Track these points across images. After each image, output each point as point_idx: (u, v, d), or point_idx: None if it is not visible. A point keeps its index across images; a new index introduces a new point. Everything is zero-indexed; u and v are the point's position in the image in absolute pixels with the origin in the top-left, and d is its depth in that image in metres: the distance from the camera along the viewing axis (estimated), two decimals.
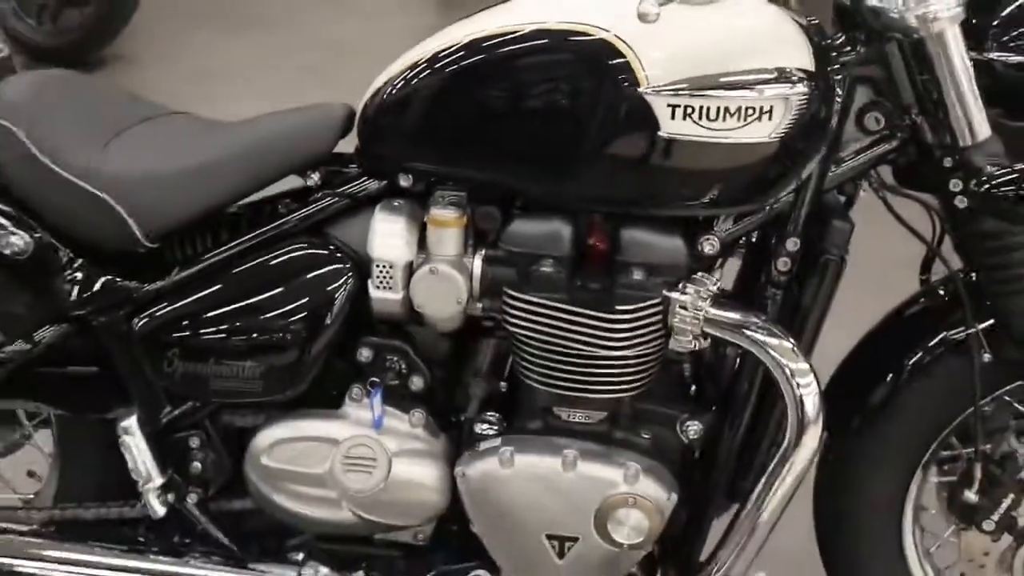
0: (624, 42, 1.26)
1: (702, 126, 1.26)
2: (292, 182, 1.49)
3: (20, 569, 1.53)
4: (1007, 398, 1.48)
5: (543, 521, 1.42)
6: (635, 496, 1.39)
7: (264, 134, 1.46)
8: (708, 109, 1.25)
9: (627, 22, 1.25)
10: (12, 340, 1.50)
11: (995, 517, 1.49)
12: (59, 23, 4.06)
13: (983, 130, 1.30)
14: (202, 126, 1.53)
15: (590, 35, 1.28)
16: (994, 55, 1.33)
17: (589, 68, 1.29)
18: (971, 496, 1.49)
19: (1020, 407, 1.48)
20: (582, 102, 1.29)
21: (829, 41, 1.38)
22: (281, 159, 1.45)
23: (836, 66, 1.35)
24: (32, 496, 1.71)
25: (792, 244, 1.38)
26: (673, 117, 1.26)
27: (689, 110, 1.25)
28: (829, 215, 1.40)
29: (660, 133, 1.27)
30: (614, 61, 1.27)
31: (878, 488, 1.56)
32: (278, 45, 4.28)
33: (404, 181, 1.42)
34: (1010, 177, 1.31)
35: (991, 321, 1.41)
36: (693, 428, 1.45)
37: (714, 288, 1.37)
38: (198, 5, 4.71)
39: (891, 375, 1.50)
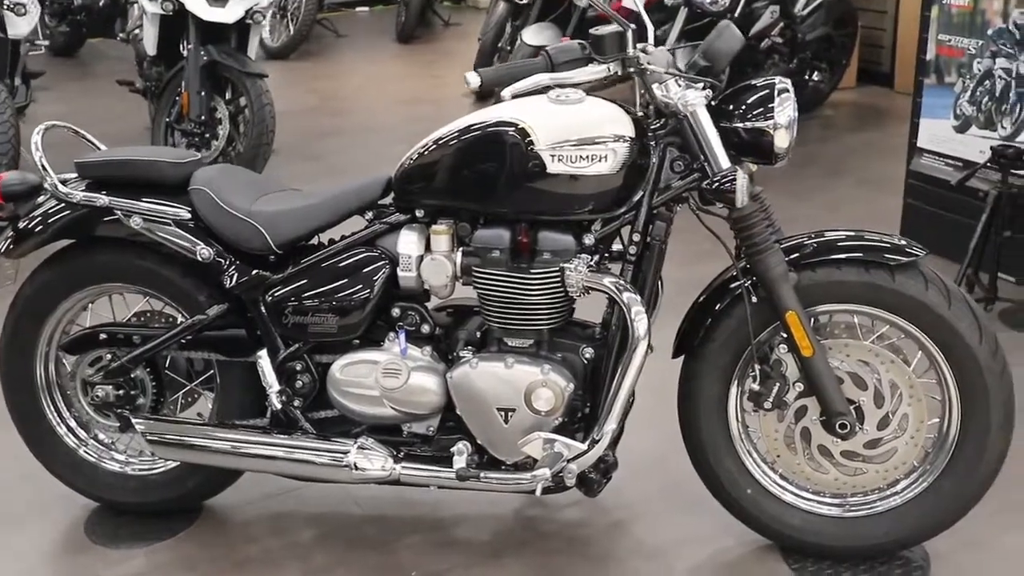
0: (529, 125, 2.34)
1: (570, 165, 2.32)
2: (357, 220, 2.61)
3: (202, 444, 2.61)
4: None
5: (494, 399, 2.41)
6: (546, 381, 2.38)
7: (341, 190, 2.57)
8: (571, 156, 2.31)
9: (530, 116, 2.33)
10: (189, 311, 2.62)
11: (770, 399, 2.44)
12: None
13: (726, 163, 2.33)
14: (307, 192, 2.66)
15: (514, 123, 2.35)
16: (736, 124, 2.37)
17: (512, 140, 2.32)
18: (754, 386, 2.45)
19: (783, 333, 2.42)
20: (509, 158, 2.34)
21: (649, 121, 2.44)
22: (350, 204, 2.55)
23: (651, 135, 2.41)
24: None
25: (636, 237, 2.41)
26: (553, 161, 2.32)
27: (561, 157, 2.32)
28: (656, 221, 2.43)
29: (548, 170, 2.33)
30: (525, 136, 2.32)
31: (707, 393, 2.51)
32: None
33: (419, 213, 2.51)
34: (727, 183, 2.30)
35: (753, 277, 2.41)
36: (588, 353, 2.46)
37: (592, 263, 2.40)
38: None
39: (709, 318, 2.49)
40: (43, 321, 2.75)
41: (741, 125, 2.34)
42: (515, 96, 2.22)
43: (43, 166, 2.61)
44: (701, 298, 2.51)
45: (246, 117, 5.29)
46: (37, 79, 6.19)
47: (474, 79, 2.21)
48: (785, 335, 2.38)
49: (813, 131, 6.32)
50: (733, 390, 2.51)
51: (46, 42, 5.93)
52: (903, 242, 2.40)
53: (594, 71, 2.28)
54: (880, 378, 2.41)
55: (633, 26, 2.29)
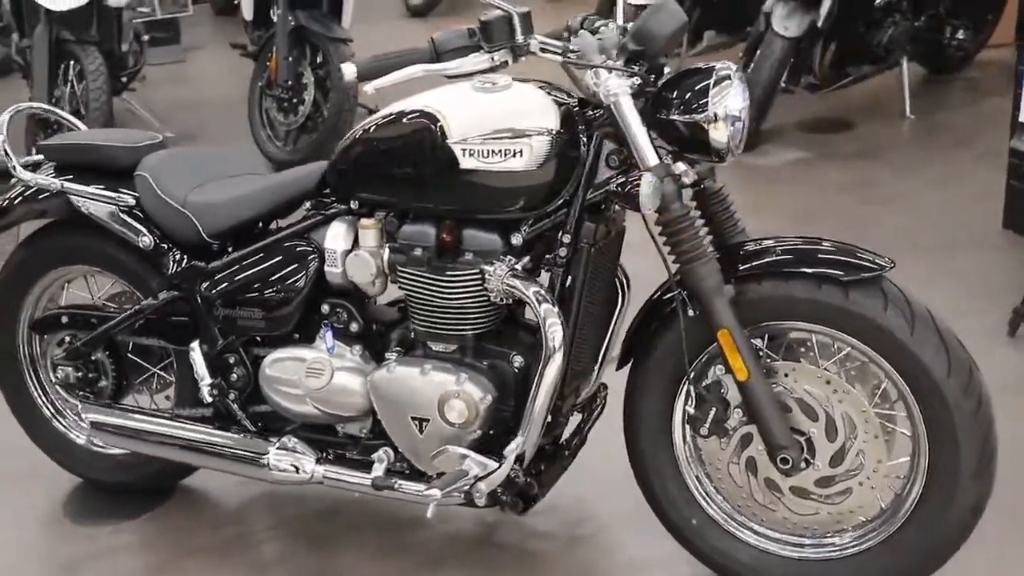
0: (443, 116, 2.16)
1: (482, 160, 2.12)
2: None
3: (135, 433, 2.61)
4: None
5: (408, 406, 2.26)
6: (460, 392, 2.21)
7: (278, 180, 2.48)
8: (483, 151, 2.11)
9: (447, 105, 2.16)
10: (146, 297, 2.59)
11: (707, 424, 2.18)
12: (297, 144, 5.46)
13: (653, 159, 2.07)
14: (256, 178, 2.57)
15: (429, 112, 2.18)
16: (673, 116, 2.09)
17: (425, 131, 2.15)
18: (690, 409, 2.19)
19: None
20: (422, 150, 2.17)
21: (586, 110, 2.19)
22: (286, 194, 2.44)
23: (582, 127, 2.17)
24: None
25: (566, 238, 2.20)
26: (465, 155, 2.13)
27: (472, 152, 2.12)
28: (586, 222, 2.19)
29: (460, 165, 2.15)
30: (438, 126, 2.15)
31: (649, 411, 2.27)
32: None
33: (353, 205, 2.37)
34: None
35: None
36: (518, 361, 2.27)
37: (516, 266, 2.20)
38: None
39: (652, 327, 2.24)
40: (23, 298, 2.81)
41: (677, 117, 2.08)
42: (378, 90, 2.04)
43: (4, 150, 2.63)
44: (648, 303, 2.27)
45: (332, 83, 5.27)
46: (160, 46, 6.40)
47: (349, 71, 2.05)
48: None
49: (950, 96, 5.73)
50: (678, 409, 2.27)
51: (148, 9, 6.09)
52: (866, 255, 2.08)
53: (476, 61, 2.06)
54: (833, 409, 2.11)
55: (523, 9, 2.06)
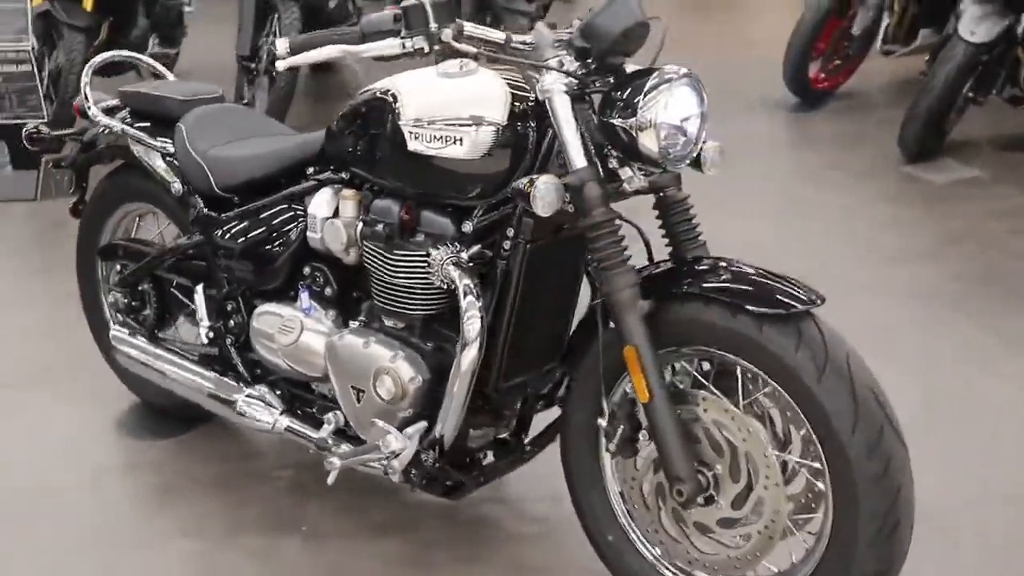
0: (401, 97, 2.19)
1: (425, 145, 2.14)
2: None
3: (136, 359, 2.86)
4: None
5: (349, 376, 2.33)
6: (390, 369, 2.25)
7: (286, 144, 2.59)
8: (426, 135, 2.13)
9: (406, 87, 2.19)
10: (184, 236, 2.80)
11: (615, 441, 2.09)
12: None
13: (580, 161, 2.00)
14: (272, 139, 2.70)
15: (390, 93, 2.22)
16: (613, 119, 2.00)
17: (383, 110, 2.20)
18: (601, 422, 2.11)
19: None
20: (380, 129, 2.21)
21: (541, 105, 2.13)
22: (292, 157, 2.55)
23: (535, 121, 2.11)
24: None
25: (510, 232, 2.17)
26: (411, 139, 2.15)
27: (418, 135, 2.14)
28: (525, 217, 2.14)
29: (408, 148, 2.17)
30: (396, 107, 2.19)
31: (577, 417, 2.21)
32: None
33: (344, 174, 2.46)
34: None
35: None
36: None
37: (460, 254, 2.19)
38: None
39: (588, 331, 2.17)
40: (100, 228, 3.11)
41: (615, 120, 1.99)
42: (290, 69, 2.08)
43: (84, 93, 2.91)
44: (587, 309, 2.21)
45: None
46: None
47: (282, 46, 2.10)
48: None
49: None
50: (603, 422, 2.19)
51: None
52: (797, 290, 1.91)
53: (390, 45, 2.05)
54: (739, 447, 1.97)
55: None
